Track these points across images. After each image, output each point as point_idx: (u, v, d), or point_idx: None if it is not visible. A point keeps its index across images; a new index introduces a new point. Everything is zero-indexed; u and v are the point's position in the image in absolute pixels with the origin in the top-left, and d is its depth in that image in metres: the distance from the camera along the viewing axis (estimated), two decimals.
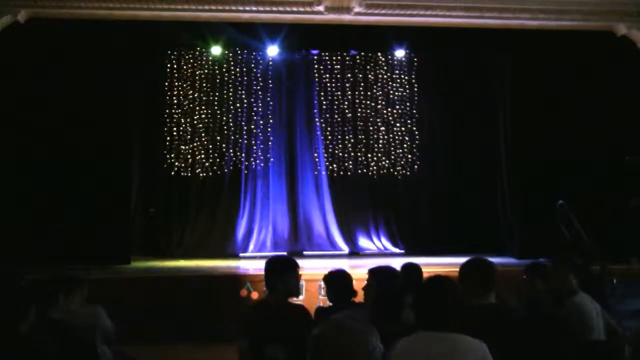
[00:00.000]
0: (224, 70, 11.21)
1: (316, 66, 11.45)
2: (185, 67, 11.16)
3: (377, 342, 1.93)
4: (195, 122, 11.10)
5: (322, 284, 5.39)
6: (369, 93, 11.54)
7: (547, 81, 9.76)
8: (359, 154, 11.46)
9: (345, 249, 11.08)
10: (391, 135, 11.54)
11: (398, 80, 11.61)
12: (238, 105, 11.25)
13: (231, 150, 11.17)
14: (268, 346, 3.04)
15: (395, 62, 11.58)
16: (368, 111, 11.54)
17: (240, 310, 6.59)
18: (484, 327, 2.93)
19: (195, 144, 11.07)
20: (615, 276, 6.84)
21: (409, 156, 11.52)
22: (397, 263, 4.77)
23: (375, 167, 11.45)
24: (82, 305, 4.58)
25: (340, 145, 11.44)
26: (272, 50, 10.69)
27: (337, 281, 4.34)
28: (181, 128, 11.08)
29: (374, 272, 4.25)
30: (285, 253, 10.83)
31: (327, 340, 1.89)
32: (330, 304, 4.41)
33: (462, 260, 3.78)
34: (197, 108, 11.12)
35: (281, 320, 3.50)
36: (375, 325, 2.14)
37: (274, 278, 3.74)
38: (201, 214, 11.00)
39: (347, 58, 11.50)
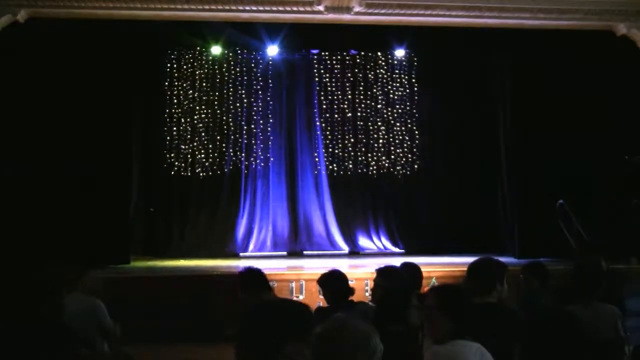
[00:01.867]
0: (224, 70, 11.21)
1: (316, 66, 11.45)
2: (185, 67, 11.17)
3: (378, 342, 1.94)
4: (195, 122, 11.11)
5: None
6: (369, 93, 11.55)
7: (547, 81, 9.76)
8: (359, 154, 11.46)
9: (345, 249, 11.08)
10: (391, 135, 11.55)
11: (398, 80, 11.61)
12: (238, 105, 11.25)
13: (231, 150, 11.17)
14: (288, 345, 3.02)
15: (395, 62, 11.59)
16: (368, 111, 11.54)
17: (240, 310, 6.58)
18: (484, 326, 2.93)
19: (195, 144, 11.07)
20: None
21: (409, 156, 11.53)
22: (397, 263, 4.77)
23: (375, 167, 11.45)
24: (81, 298, 4.55)
25: (340, 145, 11.44)
26: (272, 50, 10.69)
27: (331, 283, 4.32)
28: (181, 128, 11.09)
29: (382, 272, 4.26)
30: (285, 253, 10.90)
31: (329, 338, 1.90)
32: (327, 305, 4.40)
33: (463, 260, 3.80)
34: (197, 108, 11.13)
35: (282, 318, 3.51)
36: (380, 325, 2.14)
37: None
38: (201, 214, 11.00)
39: (347, 58, 11.51)
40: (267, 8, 8.48)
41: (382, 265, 4.48)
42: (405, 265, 4.76)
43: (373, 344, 1.92)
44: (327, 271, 4.44)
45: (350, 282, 4.64)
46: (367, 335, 1.92)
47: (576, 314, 3.77)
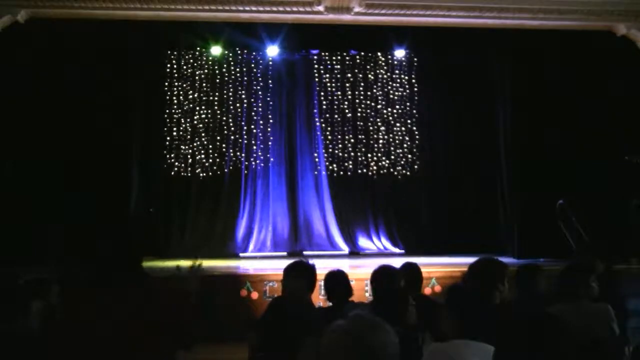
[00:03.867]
0: (224, 70, 11.21)
1: (316, 66, 11.45)
2: (185, 67, 11.16)
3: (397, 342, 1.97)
4: (195, 122, 11.10)
5: (321, 284, 5.39)
6: (369, 93, 11.54)
7: (547, 81, 9.77)
8: (359, 154, 11.46)
9: (345, 249, 11.07)
10: (391, 135, 11.54)
11: (398, 80, 11.61)
12: (238, 105, 11.25)
13: (231, 150, 11.17)
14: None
15: (395, 62, 11.59)
16: (368, 111, 11.54)
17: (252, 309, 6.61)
18: (485, 326, 2.93)
19: (195, 144, 11.07)
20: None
21: (409, 156, 11.53)
22: (397, 263, 4.77)
23: (375, 167, 11.45)
24: None
25: (340, 145, 11.44)
26: (272, 50, 10.69)
27: (337, 281, 4.34)
28: (181, 128, 11.08)
29: (374, 273, 4.29)
30: (285, 253, 10.89)
31: (358, 334, 1.89)
32: (330, 304, 4.41)
33: (463, 260, 3.80)
34: (197, 108, 11.12)
35: (298, 318, 3.52)
36: None
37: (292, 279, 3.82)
38: (201, 214, 10.99)
39: (347, 58, 11.51)
40: (267, 8, 8.49)
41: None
42: (407, 265, 4.77)
43: (394, 338, 1.95)
44: (333, 270, 4.44)
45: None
46: (391, 331, 1.95)
47: (563, 314, 3.77)
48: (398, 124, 11.57)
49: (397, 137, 11.55)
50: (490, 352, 2.68)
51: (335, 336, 1.87)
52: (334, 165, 11.40)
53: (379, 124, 11.53)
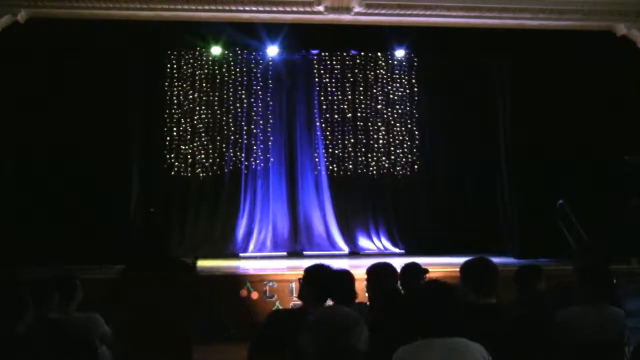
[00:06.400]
0: (224, 70, 11.21)
1: (316, 66, 11.45)
2: (185, 67, 11.16)
3: (365, 327, 2.14)
4: (195, 122, 11.10)
5: None
6: (369, 93, 11.54)
7: (547, 81, 9.76)
8: (359, 154, 11.46)
9: (345, 249, 11.07)
10: (391, 135, 11.54)
11: (398, 80, 11.61)
12: (238, 105, 11.25)
13: (231, 150, 11.17)
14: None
15: (395, 62, 11.59)
16: (368, 111, 11.53)
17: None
18: (483, 328, 2.93)
19: (195, 144, 11.06)
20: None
21: (409, 156, 11.53)
22: (397, 263, 4.76)
23: (375, 167, 11.45)
24: (78, 310, 4.53)
25: (340, 145, 11.44)
26: (272, 50, 10.67)
27: (342, 281, 4.31)
28: (181, 128, 11.08)
29: (370, 271, 4.30)
30: (285, 253, 10.90)
31: (324, 323, 2.02)
32: (332, 303, 4.39)
33: (462, 260, 3.79)
34: (197, 108, 11.12)
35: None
36: (376, 325, 2.20)
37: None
38: (201, 214, 10.99)
39: (347, 58, 11.50)
40: (267, 8, 8.50)
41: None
42: (409, 265, 4.78)
43: (361, 328, 2.12)
44: (338, 269, 4.39)
45: None
46: (356, 320, 2.12)
47: (579, 316, 3.76)
48: (398, 124, 11.57)
49: (397, 138, 11.55)
50: (458, 345, 2.65)
51: (312, 331, 2.00)
52: (334, 165, 11.39)
53: (379, 124, 11.53)
